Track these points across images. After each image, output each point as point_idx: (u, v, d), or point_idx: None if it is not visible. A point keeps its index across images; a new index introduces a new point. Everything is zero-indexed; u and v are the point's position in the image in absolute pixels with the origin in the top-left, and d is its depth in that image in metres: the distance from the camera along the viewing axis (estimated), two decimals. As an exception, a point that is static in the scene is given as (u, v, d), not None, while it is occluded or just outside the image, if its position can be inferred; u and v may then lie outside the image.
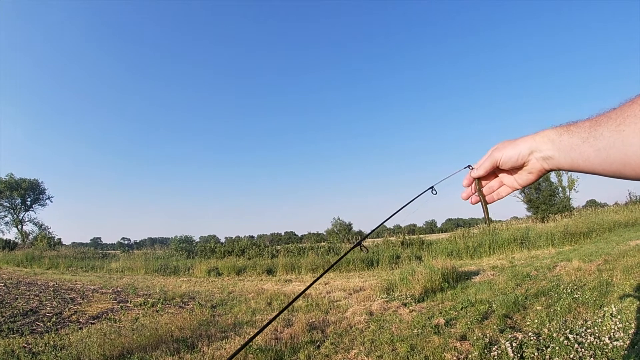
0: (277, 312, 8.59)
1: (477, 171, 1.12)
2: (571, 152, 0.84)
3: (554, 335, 4.95)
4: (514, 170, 1.05)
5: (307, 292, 11.48)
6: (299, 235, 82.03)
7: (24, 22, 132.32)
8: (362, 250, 1.30)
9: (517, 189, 1.13)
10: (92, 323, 8.53)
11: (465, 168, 1.25)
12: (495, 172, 1.14)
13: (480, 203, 1.20)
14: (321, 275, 1.25)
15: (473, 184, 1.19)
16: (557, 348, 4.55)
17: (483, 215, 1.22)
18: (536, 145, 0.93)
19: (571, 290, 7.14)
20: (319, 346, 6.17)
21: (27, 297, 12.05)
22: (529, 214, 36.25)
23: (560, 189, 34.57)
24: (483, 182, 1.18)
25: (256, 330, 5.72)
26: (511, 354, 4.59)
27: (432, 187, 1.37)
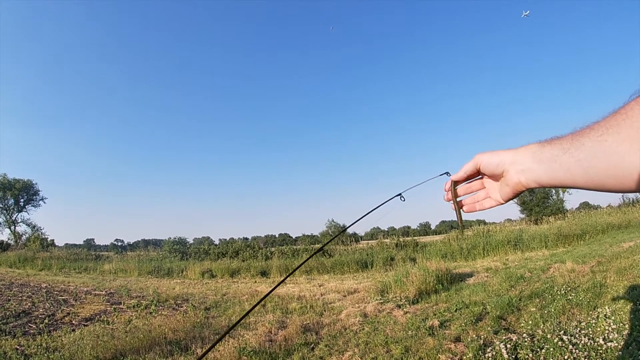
0: (270, 314, 8.62)
1: (458, 173, 1.12)
2: (552, 163, 0.82)
3: (548, 336, 4.95)
4: (494, 177, 1.05)
5: (302, 294, 11.47)
6: (293, 237, 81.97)
7: (19, 24, 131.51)
8: (324, 252, 1.30)
9: (501, 204, 1.11)
10: (85, 325, 8.47)
11: (442, 175, 1.25)
12: (482, 181, 1.15)
13: (454, 207, 1.20)
14: (284, 280, 1.23)
15: (451, 188, 1.19)
16: (551, 349, 4.55)
17: (457, 219, 1.22)
18: (517, 157, 0.92)
19: (565, 292, 7.16)
20: (313, 348, 6.15)
21: (20, 298, 11.98)
22: (523, 216, 36.42)
23: (553, 191, 34.75)
24: (473, 188, 1.18)
25: (250, 333, 5.70)
26: (505, 356, 4.59)
27: (399, 194, 1.37)
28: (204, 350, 6.24)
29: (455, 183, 1.18)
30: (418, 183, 1.37)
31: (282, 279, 15.29)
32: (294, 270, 1.35)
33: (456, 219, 1.21)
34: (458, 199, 1.20)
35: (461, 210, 1.20)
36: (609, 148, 0.69)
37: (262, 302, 10.39)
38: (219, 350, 6.16)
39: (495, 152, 0.99)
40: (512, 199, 1.05)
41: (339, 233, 1.51)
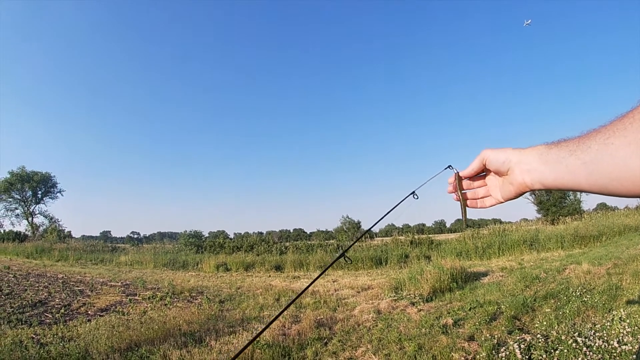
0: (284, 309, 8.61)
1: (465, 170, 1.14)
2: (557, 165, 0.83)
3: (563, 338, 4.93)
4: (499, 173, 1.05)
5: (316, 289, 11.51)
6: (308, 233, 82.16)
7: (38, 16, 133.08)
8: (346, 261, 1.32)
9: (501, 202, 1.12)
10: (100, 315, 8.61)
11: (446, 169, 1.27)
12: (484, 178, 1.17)
13: (459, 200, 1.22)
14: (313, 282, 1.26)
15: (455, 182, 1.21)
16: (565, 351, 4.54)
17: (461, 216, 1.24)
18: (524, 157, 0.93)
19: (580, 294, 7.11)
20: (326, 343, 6.19)
21: (36, 288, 12.18)
22: (539, 215, 35.99)
23: (570, 191, 34.25)
24: (474, 185, 1.20)
25: (263, 326, 5.78)
26: (519, 356, 4.59)
27: (413, 192, 1.39)
28: (220, 342, 6.34)
29: (458, 176, 1.20)
30: (426, 180, 1.39)
31: (298, 273, 15.33)
32: (331, 264, 1.38)
33: (461, 215, 1.24)
34: (462, 191, 1.22)
35: (466, 205, 1.22)
36: (614, 151, 0.69)
37: (275, 296, 10.47)
38: (232, 343, 6.23)
39: (503, 150, 1.00)
40: (513, 198, 1.06)
41: (362, 235, 1.54)
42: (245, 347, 0.98)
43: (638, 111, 0.68)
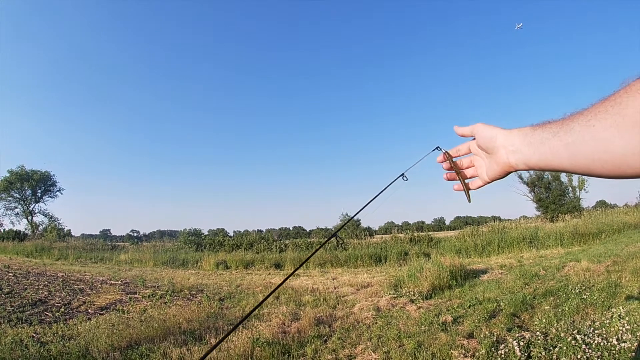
0: (284, 306, 8.69)
1: (459, 129, 1.16)
2: (541, 146, 0.85)
3: (562, 335, 4.95)
4: (485, 150, 1.07)
5: (315, 286, 11.54)
6: (307, 230, 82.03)
7: (36, 15, 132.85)
8: (338, 242, 1.34)
9: (487, 183, 1.14)
10: (100, 314, 8.63)
11: (434, 150, 1.29)
12: (471, 159, 1.20)
13: (457, 177, 1.24)
14: (297, 268, 1.26)
15: (448, 162, 1.24)
16: (564, 348, 4.55)
17: (464, 192, 1.25)
18: (509, 138, 0.96)
19: (579, 291, 7.12)
20: (326, 340, 6.21)
21: (36, 287, 12.20)
22: (538, 213, 35.99)
23: (570, 189, 34.27)
24: (462, 166, 1.23)
25: (264, 324, 5.76)
26: (518, 353, 4.60)
27: (402, 174, 1.41)
28: (218, 340, 6.35)
29: (448, 155, 1.23)
30: (417, 161, 1.40)
31: (297, 271, 15.33)
32: (308, 258, 1.38)
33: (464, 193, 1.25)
34: (460, 170, 1.24)
35: (465, 180, 1.23)
36: (596, 133, 0.71)
37: (275, 294, 10.48)
38: (232, 341, 6.23)
39: (493, 127, 1.02)
40: (499, 178, 1.09)
41: (349, 219, 1.54)
42: (206, 355, 0.99)
43: (619, 95, 0.70)
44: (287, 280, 13.85)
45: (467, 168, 1.22)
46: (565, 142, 0.78)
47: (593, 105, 0.74)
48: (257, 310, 8.56)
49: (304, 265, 19.51)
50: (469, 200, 1.23)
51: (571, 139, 0.77)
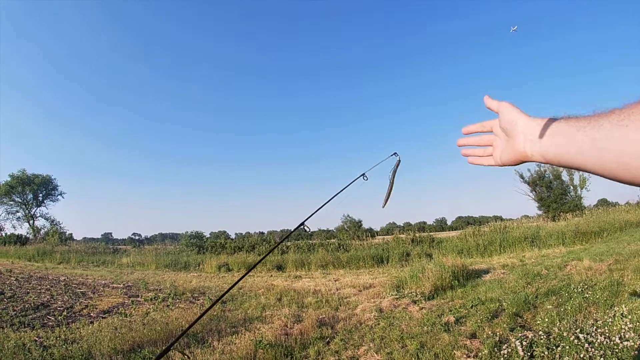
0: (286, 308, 8.69)
1: (489, 101, 1.07)
2: (563, 139, 0.81)
3: (564, 334, 4.94)
4: (504, 130, 1.01)
5: (317, 288, 11.55)
6: (309, 232, 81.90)
7: (36, 15, 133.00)
8: (306, 230, 1.38)
9: (499, 165, 1.08)
10: (103, 317, 8.64)
11: (391, 156, 1.32)
12: (490, 138, 1.13)
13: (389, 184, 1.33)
14: (254, 266, 1.28)
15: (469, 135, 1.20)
16: (567, 347, 4.55)
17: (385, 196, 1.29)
18: (530, 126, 0.91)
19: (582, 290, 7.11)
20: (328, 342, 6.21)
21: (39, 291, 12.23)
22: (540, 212, 35.92)
23: (571, 187, 34.21)
24: (482, 141, 1.17)
25: (266, 326, 5.76)
26: (521, 353, 4.60)
27: (363, 174, 1.44)
28: (222, 342, 6.35)
29: (398, 165, 1.32)
30: (376, 163, 1.45)
31: (299, 273, 15.30)
32: (254, 267, 1.41)
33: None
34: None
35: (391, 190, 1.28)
36: (628, 133, 0.67)
37: (278, 296, 10.48)
38: (235, 343, 6.24)
39: (518, 111, 0.96)
40: (510, 165, 1.04)
41: (298, 226, 1.58)
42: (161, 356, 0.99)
43: None
44: (290, 283, 13.86)
45: (486, 145, 1.14)
46: (592, 137, 0.73)
47: (626, 105, 0.70)
48: (259, 312, 8.57)
49: (306, 267, 19.59)
50: (383, 206, 1.25)
51: (599, 135, 0.72)
